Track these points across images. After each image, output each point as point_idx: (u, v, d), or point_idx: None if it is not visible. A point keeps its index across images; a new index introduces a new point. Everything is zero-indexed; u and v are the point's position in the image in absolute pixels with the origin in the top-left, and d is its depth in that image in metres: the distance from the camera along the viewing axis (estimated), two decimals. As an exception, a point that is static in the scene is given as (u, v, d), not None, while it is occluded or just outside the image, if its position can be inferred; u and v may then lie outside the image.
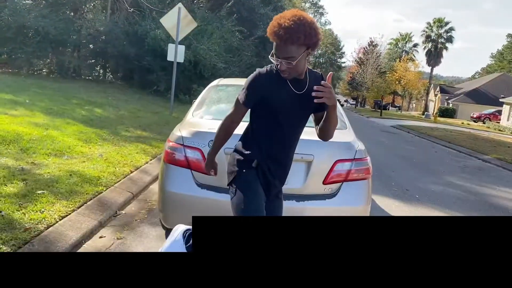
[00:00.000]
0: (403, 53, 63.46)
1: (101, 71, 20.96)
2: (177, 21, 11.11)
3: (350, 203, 3.10)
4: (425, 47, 58.55)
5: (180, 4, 11.25)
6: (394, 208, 5.45)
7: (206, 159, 2.47)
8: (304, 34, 1.99)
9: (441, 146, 14.15)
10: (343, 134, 3.49)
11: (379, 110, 37.13)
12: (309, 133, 2.90)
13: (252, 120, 2.30)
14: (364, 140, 12.76)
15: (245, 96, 2.20)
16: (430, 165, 9.58)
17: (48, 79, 16.43)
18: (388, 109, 56.05)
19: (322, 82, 2.01)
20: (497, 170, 10.04)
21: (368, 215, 3.31)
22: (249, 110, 2.27)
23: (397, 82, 51.23)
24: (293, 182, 3.01)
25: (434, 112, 43.84)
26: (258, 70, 2.21)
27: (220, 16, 19.09)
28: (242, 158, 2.25)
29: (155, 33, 16.46)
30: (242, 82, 4.74)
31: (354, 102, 63.01)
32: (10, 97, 9.46)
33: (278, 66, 2.09)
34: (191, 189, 3.05)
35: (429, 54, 57.91)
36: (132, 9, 17.11)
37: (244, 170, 2.21)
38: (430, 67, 59.62)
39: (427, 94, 60.64)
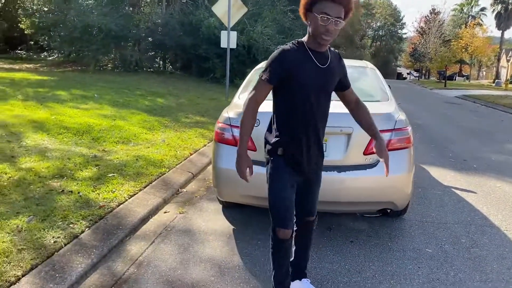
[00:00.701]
0: (470, 18, 59.43)
1: (161, 62, 21.87)
2: (228, 8, 11.39)
3: (392, 172, 3.20)
4: (494, 9, 54.37)
5: (229, -9, 11.50)
6: (449, 178, 5.41)
7: (237, 156, 2.34)
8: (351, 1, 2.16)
9: (510, 115, 13.38)
10: (384, 105, 3.57)
11: (444, 81, 35.32)
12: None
13: (277, 105, 2.35)
14: (424, 112, 12.50)
15: (269, 72, 2.21)
16: (494, 134, 9.18)
17: (112, 74, 17.51)
18: (455, 79, 53.04)
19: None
20: None
21: (410, 182, 3.40)
22: (273, 98, 2.34)
23: (463, 50, 48.26)
24: (333, 154, 3.18)
25: (507, 79, 40.92)
26: (281, 47, 2.25)
27: (272, -3, 19.13)
28: (270, 147, 2.38)
29: (209, 21, 16.88)
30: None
31: (418, 74, 60.24)
32: (80, 92, 10.31)
33: (326, 26, 2.10)
34: (239, 164, 3.32)
35: (498, 16, 53.71)
36: (185, 0, 17.65)
37: (272, 158, 2.39)
38: (501, 31, 55.36)
39: (498, 60, 56.47)
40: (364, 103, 3.37)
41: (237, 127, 3.35)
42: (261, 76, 2.25)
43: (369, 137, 3.17)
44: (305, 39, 2.28)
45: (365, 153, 3.20)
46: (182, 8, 18.66)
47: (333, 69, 2.27)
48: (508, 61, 53.92)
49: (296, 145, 2.32)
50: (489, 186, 5.12)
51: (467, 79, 55.06)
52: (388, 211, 3.59)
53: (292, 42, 2.27)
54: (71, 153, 5.21)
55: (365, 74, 4.28)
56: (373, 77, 4.20)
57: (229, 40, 11.80)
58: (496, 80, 43.71)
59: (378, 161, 3.21)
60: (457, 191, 4.86)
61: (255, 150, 3.33)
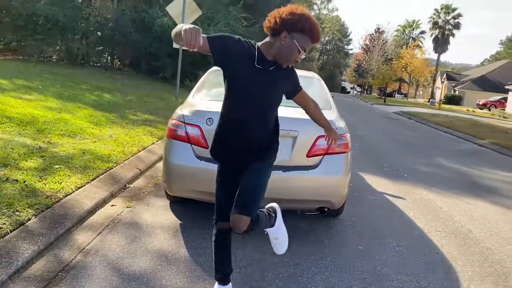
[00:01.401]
0: (410, 40, 63.12)
1: (109, 58, 21.38)
2: (182, 9, 11.47)
3: (330, 173, 3.52)
4: (432, 34, 58.20)
5: (185, -8, 11.59)
6: (382, 185, 5.87)
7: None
8: None
9: (440, 132, 14.48)
10: (326, 113, 3.87)
11: (384, 97, 37.27)
12: (294, 111, 3.32)
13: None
14: (364, 125, 13.17)
15: (213, 35, 2.25)
16: (425, 148, 9.95)
17: (57, 66, 16.89)
18: (394, 96, 56.00)
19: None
20: (490, 153, 10.40)
21: (347, 184, 3.72)
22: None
23: (403, 69, 51.18)
24: (280, 155, 3.43)
25: (440, 100, 43.83)
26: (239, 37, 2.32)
27: (226, 3, 19.36)
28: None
29: (162, 20, 16.80)
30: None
31: (360, 89, 62.95)
32: (23, 82, 9.92)
33: (299, 57, 2.28)
34: (191, 160, 3.49)
35: (436, 41, 57.57)
36: (138, -3, 17.48)
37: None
38: (437, 54, 59.30)
39: (434, 81, 60.43)
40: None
41: (190, 124, 3.53)
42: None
43: (312, 141, 3.48)
44: (259, 43, 2.33)
45: (307, 155, 3.48)
46: (135, 5, 18.42)
47: (278, 75, 2.33)
48: (442, 82, 57.76)
49: (225, 136, 2.47)
50: (416, 193, 5.62)
51: (405, 96, 58.34)
52: (326, 209, 3.89)
53: (250, 41, 2.35)
54: (15, 143, 5.09)
55: (312, 84, 4.60)
56: (319, 87, 4.53)
57: (181, 41, 11.87)
58: (431, 100, 46.68)
59: (319, 163, 3.50)
60: (389, 197, 5.31)
61: (207, 147, 3.50)
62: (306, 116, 3.52)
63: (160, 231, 3.66)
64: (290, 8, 2.28)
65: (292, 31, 2.22)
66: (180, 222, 3.91)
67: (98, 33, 19.19)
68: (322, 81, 4.77)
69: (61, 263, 2.95)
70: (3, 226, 3.09)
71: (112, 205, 4.16)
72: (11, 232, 3.06)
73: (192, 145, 3.52)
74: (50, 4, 16.33)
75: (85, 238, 3.35)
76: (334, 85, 70.78)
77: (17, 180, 3.94)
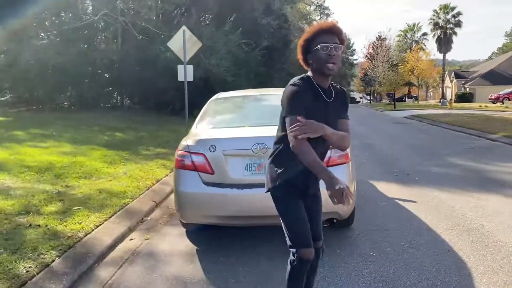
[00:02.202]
0: (413, 43, 63.16)
1: (118, 97, 21.94)
2: (183, 43, 11.84)
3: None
4: (434, 34, 58.19)
5: (184, 27, 11.98)
6: (393, 191, 5.93)
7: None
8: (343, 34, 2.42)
9: (452, 131, 14.42)
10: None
11: (393, 103, 37.21)
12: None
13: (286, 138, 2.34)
14: (373, 133, 13.18)
15: (294, 108, 2.28)
16: (436, 149, 9.95)
17: (70, 112, 17.45)
18: (405, 101, 55.73)
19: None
20: (503, 147, 10.33)
21: (353, 192, 3.81)
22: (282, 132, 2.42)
23: (410, 73, 51.04)
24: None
25: (450, 99, 43.54)
26: (293, 81, 2.36)
27: (226, 32, 19.83)
28: (275, 176, 2.48)
29: (165, 55, 17.26)
30: (239, 93, 5.36)
31: (370, 98, 62.83)
32: (38, 131, 10.33)
33: (328, 52, 2.27)
34: (199, 187, 3.67)
35: (439, 41, 57.49)
36: (140, 36, 18.00)
37: (277, 186, 2.50)
38: (442, 54, 59.15)
39: (443, 81, 60.06)
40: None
41: (195, 153, 3.72)
42: (287, 114, 2.29)
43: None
44: (310, 74, 2.40)
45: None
46: (138, 44, 18.99)
47: (337, 103, 2.42)
48: (451, 81, 57.41)
49: (302, 176, 2.42)
50: (427, 195, 5.67)
51: (415, 100, 57.98)
52: (335, 220, 3.98)
53: (299, 79, 2.39)
54: (35, 190, 5.34)
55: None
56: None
57: (185, 73, 12.21)
58: (442, 100, 46.38)
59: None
60: (400, 202, 5.37)
61: (212, 173, 3.67)
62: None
63: (178, 258, 3.80)
64: (302, 37, 2.43)
65: (308, 51, 2.36)
66: (196, 248, 4.06)
67: (106, 75, 19.77)
68: None
69: (86, 299, 3.10)
70: (30, 269, 3.28)
71: (131, 239, 4.33)
72: (37, 274, 3.25)
73: (199, 172, 3.70)
74: (58, 54, 16.95)
75: (107, 273, 3.51)
76: (343, 97, 70.69)
77: (39, 225, 4.15)
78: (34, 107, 18.46)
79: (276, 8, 25.78)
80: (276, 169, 2.49)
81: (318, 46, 2.29)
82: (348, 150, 3.78)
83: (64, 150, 8.10)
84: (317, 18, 79.15)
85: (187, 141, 3.87)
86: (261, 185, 3.60)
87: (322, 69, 2.32)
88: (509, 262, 3.51)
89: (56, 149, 8.14)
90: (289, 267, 2.52)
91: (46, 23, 19.28)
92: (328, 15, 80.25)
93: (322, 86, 2.38)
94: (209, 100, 5.01)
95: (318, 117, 2.29)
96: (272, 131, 3.69)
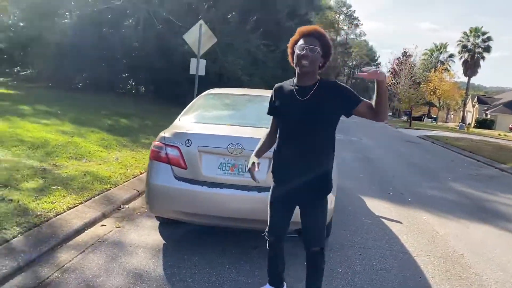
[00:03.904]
0: (438, 63, 62.24)
1: (134, 84, 22.08)
2: (198, 37, 11.82)
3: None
4: (461, 57, 57.24)
5: (201, 21, 11.96)
6: (382, 209, 5.77)
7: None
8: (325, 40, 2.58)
9: (462, 156, 14.11)
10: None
11: (409, 121, 36.70)
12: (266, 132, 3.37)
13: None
14: (379, 148, 12.92)
15: (268, 107, 2.80)
16: (440, 172, 9.71)
17: (83, 92, 17.60)
18: (423, 120, 55.06)
19: (363, 68, 2.44)
20: (509, 177, 10.04)
21: (330, 205, 3.68)
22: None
23: (432, 92, 50.37)
24: (256, 175, 3.47)
25: (468, 124, 42.77)
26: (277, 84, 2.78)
27: (246, 31, 19.79)
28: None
29: (183, 48, 17.29)
30: (231, 91, 5.26)
31: (390, 113, 62.14)
32: (44, 108, 10.41)
33: (302, 52, 2.50)
34: (170, 181, 3.59)
35: (465, 64, 56.53)
36: (161, 26, 18.07)
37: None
38: (467, 77, 58.16)
39: (465, 105, 59.07)
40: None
41: (170, 146, 3.65)
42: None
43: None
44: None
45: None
46: (158, 34, 19.07)
47: (317, 100, 2.53)
48: (473, 106, 56.45)
49: (283, 170, 2.73)
50: (415, 217, 5.50)
51: (434, 120, 57.19)
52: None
53: (285, 81, 2.76)
54: (21, 165, 5.34)
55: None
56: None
57: (198, 67, 12.19)
58: (460, 124, 45.59)
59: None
60: (385, 221, 5.21)
61: (185, 168, 3.59)
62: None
63: (142, 251, 3.73)
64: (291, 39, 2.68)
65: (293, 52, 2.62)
66: (164, 242, 3.98)
67: (124, 60, 19.90)
68: None
69: (37, 279, 3.06)
70: (-13, 242, 3.24)
71: (102, 225, 4.28)
72: (-6, 248, 3.21)
73: (172, 166, 3.62)
74: (78, 34, 17.12)
75: (67, 256, 3.46)
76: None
77: (12, 200, 4.14)
78: (50, 84, 18.67)
79: (302, 13, 25.64)
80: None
81: (296, 47, 2.56)
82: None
83: (64, 129, 8.13)
84: (345, 27, 78.99)
85: (165, 133, 3.80)
86: (232, 186, 3.55)
87: (297, 67, 2.55)
88: (479, 297, 3.35)
89: (56, 127, 8.17)
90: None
91: (72, 3, 19.52)
92: (356, 25, 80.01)
93: (303, 85, 2.59)
94: (201, 94, 4.94)
95: (292, 115, 2.59)
96: (252, 132, 3.62)
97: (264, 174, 3.51)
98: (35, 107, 10.29)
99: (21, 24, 18.74)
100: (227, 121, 4.02)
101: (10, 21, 18.85)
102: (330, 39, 2.66)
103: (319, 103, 2.53)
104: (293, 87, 2.61)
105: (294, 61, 2.58)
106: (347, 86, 2.64)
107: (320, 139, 2.60)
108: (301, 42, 2.55)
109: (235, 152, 3.51)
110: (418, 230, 4.96)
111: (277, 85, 2.77)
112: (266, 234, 2.89)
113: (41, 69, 19.52)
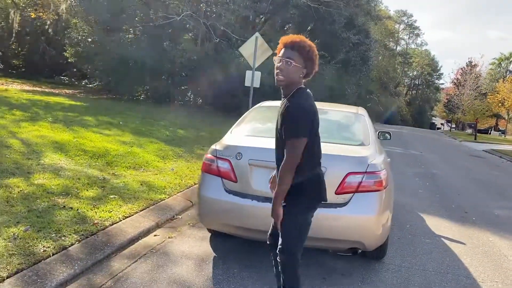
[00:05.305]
0: (507, 73, 58.62)
1: (191, 96, 22.68)
2: (254, 49, 11.93)
3: (360, 212, 3.37)
4: (533, 66, 53.57)
5: (257, 34, 12.08)
6: (443, 228, 5.43)
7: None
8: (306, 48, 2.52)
9: (534, 172, 13.08)
10: (363, 149, 3.77)
11: (475, 134, 34.70)
12: (322, 147, 3.27)
13: None
14: (442, 163, 12.27)
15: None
16: (507, 190, 9.04)
17: (144, 104, 18.32)
18: (490, 133, 51.94)
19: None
20: None
21: (381, 224, 3.51)
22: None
23: (499, 104, 47.43)
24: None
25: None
26: None
27: (302, 42, 19.75)
28: None
29: (239, 60, 17.57)
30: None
31: (452, 125, 59.14)
32: (106, 119, 10.91)
33: (276, 64, 2.54)
34: (220, 194, 3.58)
35: (538, 73, 52.85)
36: (218, 39, 18.49)
37: None
38: (540, 88, 54.18)
39: (538, 117, 55.02)
40: (341, 145, 3.62)
41: (221, 159, 3.64)
42: None
43: (341, 178, 3.39)
44: None
45: (336, 193, 3.38)
46: (216, 47, 19.52)
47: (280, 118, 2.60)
48: (547, 118, 52.40)
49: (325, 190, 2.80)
50: (480, 239, 5.12)
51: (502, 133, 53.70)
52: (359, 251, 3.70)
53: None
54: (82, 174, 5.59)
55: (353, 119, 4.51)
56: (360, 123, 4.41)
57: (253, 79, 12.29)
58: (533, 137, 42.44)
59: (349, 201, 3.38)
60: (447, 241, 4.89)
61: (236, 181, 3.57)
62: (335, 152, 3.47)
63: (192, 263, 3.74)
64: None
65: None
66: (214, 255, 3.97)
67: (183, 73, 20.54)
68: (366, 117, 4.64)
69: (91, 287, 3.14)
70: (48, 249, 3.39)
71: (155, 235, 4.35)
72: (53, 255, 3.35)
73: (223, 179, 3.61)
74: (140, 49, 17.93)
75: (120, 265, 3.54)
76: (423, 121, 67.69)
77: (72, 208, 4.32)
78: (114, 96, 19.65)
79: (359, 23, 25.23)
80: None
81: (274, 58, 2.59)
82: (382, 176, 3.49)
83: (124, 140, 8.45)
84: (405, 37, 76.77)
85: (217, 145, 3.81)
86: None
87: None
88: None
89: (117, 138, 8.51)
90: None
91: (136, 18, 20.52)
92: (418, 35, 77.47)
93: (284, 96, 2.62)
94: (254, 106, 4.93)
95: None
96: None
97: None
98: (98, 118, 10.82)
99: (89, 39, 19.93)
100: (279, 134, 3.96)
101: (79, 37, 20.09)
102: (314, 49, 2.57)
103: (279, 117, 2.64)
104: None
105: None
106: (294, 115, 2.49)
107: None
108: (280, 53, 2.54)
109: (286, 166, 3.43)
110: (483, 253, 4.60)
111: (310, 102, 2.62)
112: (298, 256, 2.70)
113: (106, 82, 20.63)
